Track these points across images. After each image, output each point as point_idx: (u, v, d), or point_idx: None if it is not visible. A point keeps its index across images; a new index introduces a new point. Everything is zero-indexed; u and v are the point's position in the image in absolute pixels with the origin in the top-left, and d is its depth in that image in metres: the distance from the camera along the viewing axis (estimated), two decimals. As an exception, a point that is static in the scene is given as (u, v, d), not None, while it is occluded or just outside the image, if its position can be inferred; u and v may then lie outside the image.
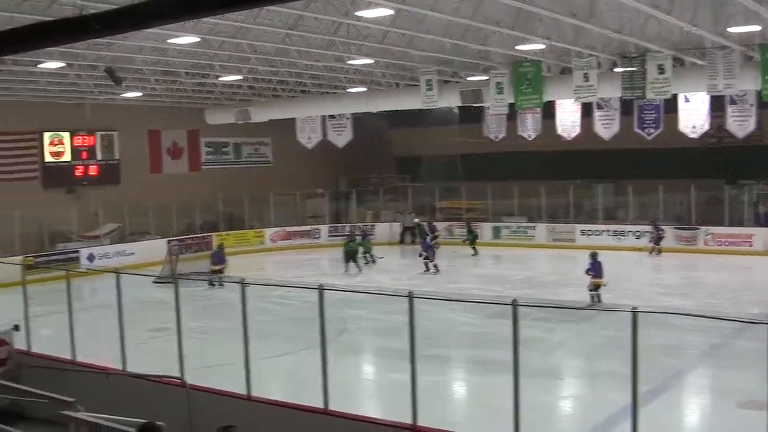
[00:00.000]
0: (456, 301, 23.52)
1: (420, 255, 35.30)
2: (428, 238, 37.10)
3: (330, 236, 44.86)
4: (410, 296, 13.08)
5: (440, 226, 42.47)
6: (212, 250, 36.66)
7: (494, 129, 38.91)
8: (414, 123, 44.60)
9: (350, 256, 35.64)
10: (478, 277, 34.31)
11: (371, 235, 41.91)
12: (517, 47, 28.08)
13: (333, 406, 14.04)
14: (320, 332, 14.16)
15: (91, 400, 13.28)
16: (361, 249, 36.75)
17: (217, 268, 32.80)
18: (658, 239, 37.81)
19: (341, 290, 20.22)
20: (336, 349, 14.75)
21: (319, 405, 14.19)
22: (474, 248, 40.12)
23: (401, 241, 44.92)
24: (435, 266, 34.61)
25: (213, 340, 22.23)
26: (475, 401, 18.02)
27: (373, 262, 36.96)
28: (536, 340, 20.02)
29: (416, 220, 43.53)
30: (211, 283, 31.44)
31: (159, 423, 6.92)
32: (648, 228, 38.69)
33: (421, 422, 13.12)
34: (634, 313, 10.43)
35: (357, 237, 38.30)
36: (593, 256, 26.38)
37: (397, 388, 16.31)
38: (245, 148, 49.12)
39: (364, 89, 37.10)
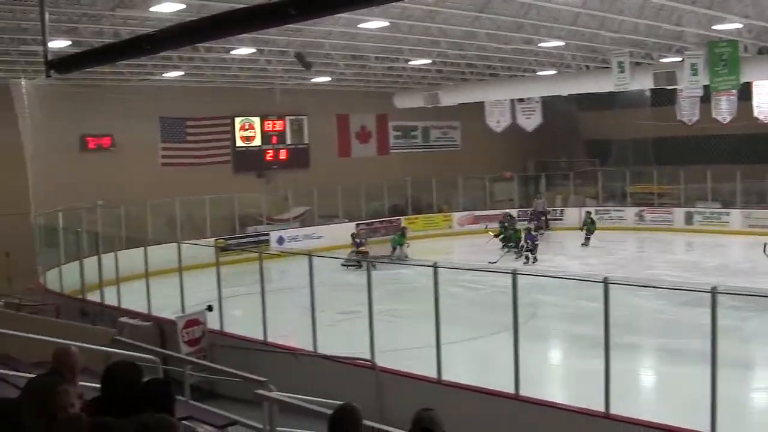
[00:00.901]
0: (652, 287, 22.95)
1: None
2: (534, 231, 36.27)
3: (519, 220, 44.53)
4: (605, 282, 12.86)
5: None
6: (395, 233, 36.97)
7: (687, 112, 37.79)
8: (604, 106, 43.83)
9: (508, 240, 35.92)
10: (670, 263, 33.47)
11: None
12: (713, 27, 27.22)
13: (522, 392, 13.96)
14: (513, 317, 14.09)
15: (280, 380, 13.50)
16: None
17: (362, 249, 33.55)
18: None
19: (534, 275, 20.07)
20: (524, 334, 14.62)
21: (509, 390, 14.12)
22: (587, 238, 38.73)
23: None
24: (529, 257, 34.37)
25: (401, 323, 22.33)
26: (667, 391, 17.58)
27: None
28: (730, 330, 19.33)
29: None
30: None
31: (355, 405, 6.92)
32: None
33: (613, 410, 12.90)
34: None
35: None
36: None
37: (586, 375, 16.13)
38: (433, 132, 49.24)
39: (553, 72, 36.60)
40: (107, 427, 5.10)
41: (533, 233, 35.47)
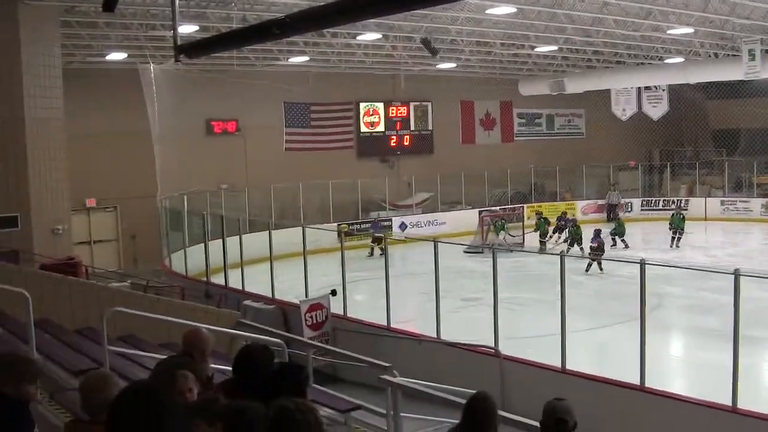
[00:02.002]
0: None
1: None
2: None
3: (642, 210, 43.84)
4: (736, 274, 12.52)
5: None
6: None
7: (821, 100, 36.76)
8: (733, 94, 42.75)
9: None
10: (800, 257, 32.56)
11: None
12: None
13: (646, 383, 13.74)
14: (640, 308, 13.86)
15: (403, 365, 13.50)
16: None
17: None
18: None
19: (661, 265, 19.65)
20: (648, 325, 14.34)
21: (632, 381, 13.91)
22: (623, 241, 34.14)
23: (608, 219, 41.60)
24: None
25: (523, 311, 22.16)
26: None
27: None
28: None
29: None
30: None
31: (489, 394, 6.87)
32: None
33: (740, 405, 12.60)
34: None
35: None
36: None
37: (710, 368, 15.77)
38: (558, 119, 48.76)
39: (681, 60, 35.90)
40: (246, 409, 5.11)
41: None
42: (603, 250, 29.17)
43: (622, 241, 33.89)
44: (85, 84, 31.15)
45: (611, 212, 42.47)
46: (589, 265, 27.47)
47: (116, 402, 4.09)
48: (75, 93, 27.91)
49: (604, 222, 40.32)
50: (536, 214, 36.54)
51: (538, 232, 34.12)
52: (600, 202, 44.18)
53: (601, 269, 27.40)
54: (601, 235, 29.93)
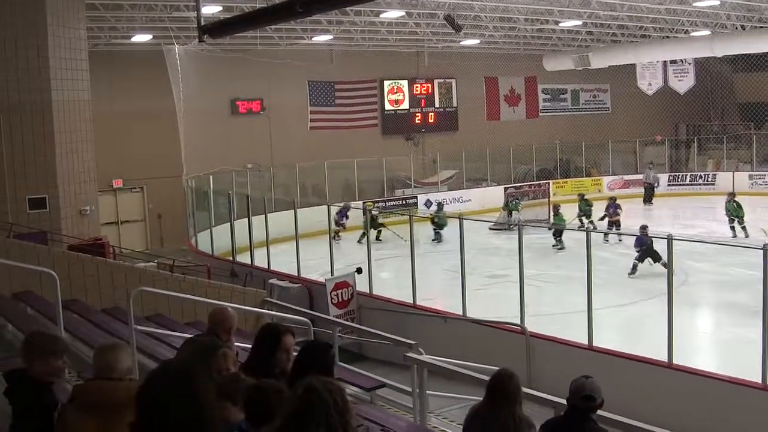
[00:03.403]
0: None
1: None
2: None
3: (669, 185, 43.57)
4: (765, 249, 12.43)
5: None
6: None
7: None
8: (761, 67, 42.42)
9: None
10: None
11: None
12: None
13: (674, 360, 13.71)
14: (667, 283, 13.83)
15: (429, 343, 13.54)
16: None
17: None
18: None
19: (689, 240, 19.55)
20: (675, 301, 14.29)
21: (660, 357, 13.88)
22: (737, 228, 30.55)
23: (645, 201, 40.33)
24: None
25: (548, 288, 22.10)
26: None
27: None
28: None
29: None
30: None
31: (513, 371, 6.88)
32: None
33: (769, 382, 12.56)
34: None
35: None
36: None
37: (739, 345, 15.71)
38: (583, 94, 48.48)
39: (707, 32, 35.62)
40: (271, 388, 5.13)
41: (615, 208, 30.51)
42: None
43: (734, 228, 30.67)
44: (111, 66, 31.33)
45: (649, 193, 40.88)
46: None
47: (147, 383, 4.07)
48: (101, 75, 28.06)
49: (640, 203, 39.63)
50: (578, 195, 35.51)
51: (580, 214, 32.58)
52: (626, 177, 43.95)
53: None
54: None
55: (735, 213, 30.69)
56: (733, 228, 30.40)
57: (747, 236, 29.20)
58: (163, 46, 30.32)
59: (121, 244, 30.45)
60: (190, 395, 3.91)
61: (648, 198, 40.55)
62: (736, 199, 31.18)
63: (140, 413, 3.97)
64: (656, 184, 41.24)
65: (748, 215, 30.44)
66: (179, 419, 3.85)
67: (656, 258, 23.16)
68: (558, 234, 28.84)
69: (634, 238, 24.45)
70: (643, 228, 24.96)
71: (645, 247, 23.87)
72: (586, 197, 33.01)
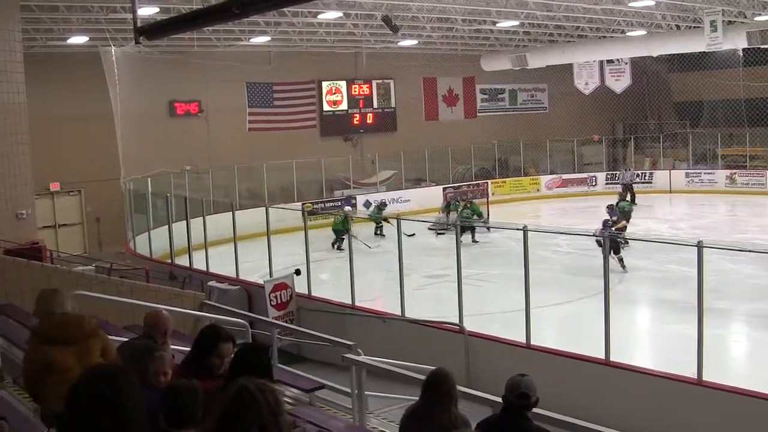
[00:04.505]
0: (746, 251, 22.47)
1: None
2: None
3: (607, 184, 44.03)
4: (699, 246, 12.60)
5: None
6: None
7: (782, 71, 36.95)
8: (695, 66, 42.98)
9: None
10: (762, 227, 32.62)
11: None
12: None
13: (611, 357, 13.83)
14: (604, 282, 13.95)
15: (368, 344, 13.56)
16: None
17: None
18: None
19: (624, 238, 19.80)
20: (613, 299, 14.44)
21: (598, 355, 14.00)
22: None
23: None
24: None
25: (489, 287, 22.21)
26: (759, 357, 17.25)
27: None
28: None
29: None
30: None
31: (448, 370, 6.93)
32: None
33: (705, 377, 12.71)
34: None
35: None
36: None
37: (675, 341, 15.89)
38: (521, 94, 48.80)
39: (643, 32, 36.02)
40: (186, 388, 5.12)
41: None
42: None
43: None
44: (48, 68, 30.87)
45: (627, 192, 38.33)
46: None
47: (76, 387, 4.05)
48: (37, 77, 27.66)
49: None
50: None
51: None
52: (564, 176, 44.35)
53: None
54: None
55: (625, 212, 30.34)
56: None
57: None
58: (99, 48, 30.11)
59: (58, 247, 30.07)
60: (115, 397, 3.90)
61: (632, 198, 38.02)
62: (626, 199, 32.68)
63: (69, 414, 3.95)
64: (632, 182, 40.57)
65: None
66: (104, 421, 3.85)
67: (617, 250, 23.47)
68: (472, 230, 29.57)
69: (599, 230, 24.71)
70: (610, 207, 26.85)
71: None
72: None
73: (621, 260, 23.87)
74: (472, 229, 29.45)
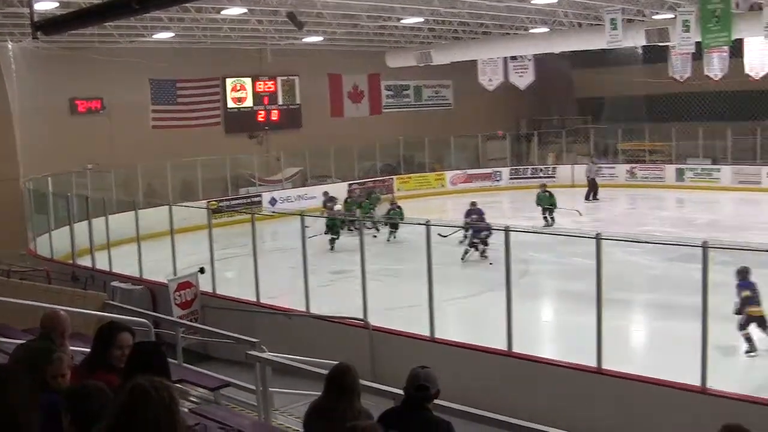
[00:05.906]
0: (643, 243, 22.94)
1: None
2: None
3: (511, 179, 44.49)
4: (597, 238, 12.85)
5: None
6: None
7: (679, 69, 37.52)
8: (596, 63, 43.67)
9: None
10: (661, 220, 33.45)
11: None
12: (706, -18, 27.07)
13: (515, 348, 13.99)
14: (506, 275, 14.08)
15: (274, 341, 13.54)
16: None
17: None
18: None
19: (526, 231, 20.03)
20: (517, 292, 14.65)
21: (502, 347, 14.15)
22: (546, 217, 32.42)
23: (587, 198, 39.53)
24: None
25: (395, 282, 22.28)
26: (657, 345, 17.59)
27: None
28: (721, 285, 19.10)
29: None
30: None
31: (350, 364, 6.94)
32: None
33: (605, 366, 12.95)
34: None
35: None
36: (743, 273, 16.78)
37: (578, 331, 16.13)
38: (426, 90, 49.00)
39: (546, 30, 36.40)
40: (96, 390, 5.03)
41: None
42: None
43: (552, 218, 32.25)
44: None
45: (593, 188, 39.98)
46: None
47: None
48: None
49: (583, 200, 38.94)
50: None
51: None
52: (469, 172, 44.71)
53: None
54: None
55: (547, 202, 32.49)
56: (545, 218, 32.14)
57: (553, 224, 31.61)
58: (-5, 43, 29.56)
59: (-46, 250, 29.51)
60: (2, 400, 3.83)
61: (595, 194, 39.84)
62: (548, 189, 33.14)
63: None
64: (596, 175, 40.91)
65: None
66: None
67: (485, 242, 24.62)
68: (394, 227, 29.53)
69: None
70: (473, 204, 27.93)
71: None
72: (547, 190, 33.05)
73: (483, 252, 25.06)
74: (395, 228, 29.66)
